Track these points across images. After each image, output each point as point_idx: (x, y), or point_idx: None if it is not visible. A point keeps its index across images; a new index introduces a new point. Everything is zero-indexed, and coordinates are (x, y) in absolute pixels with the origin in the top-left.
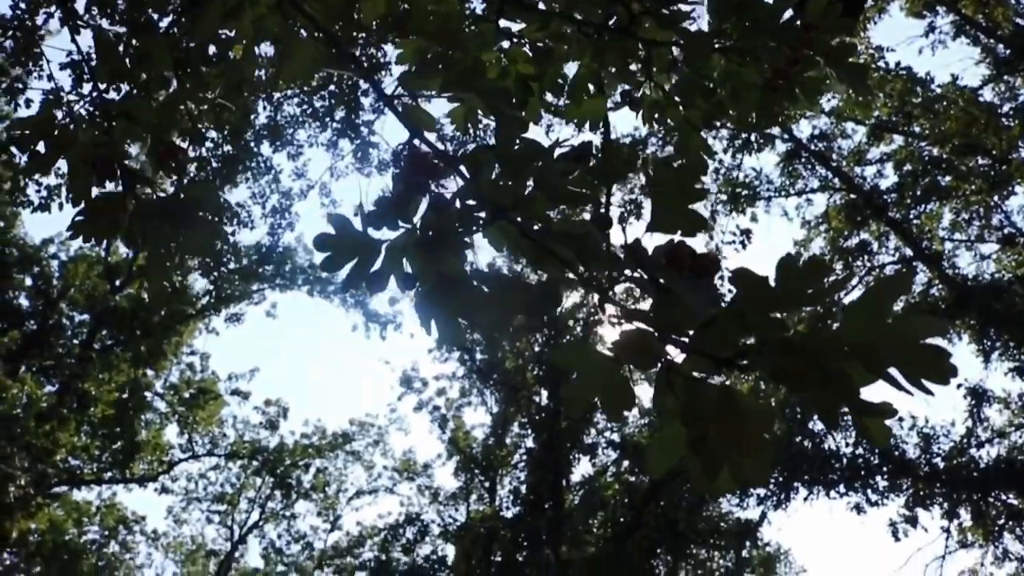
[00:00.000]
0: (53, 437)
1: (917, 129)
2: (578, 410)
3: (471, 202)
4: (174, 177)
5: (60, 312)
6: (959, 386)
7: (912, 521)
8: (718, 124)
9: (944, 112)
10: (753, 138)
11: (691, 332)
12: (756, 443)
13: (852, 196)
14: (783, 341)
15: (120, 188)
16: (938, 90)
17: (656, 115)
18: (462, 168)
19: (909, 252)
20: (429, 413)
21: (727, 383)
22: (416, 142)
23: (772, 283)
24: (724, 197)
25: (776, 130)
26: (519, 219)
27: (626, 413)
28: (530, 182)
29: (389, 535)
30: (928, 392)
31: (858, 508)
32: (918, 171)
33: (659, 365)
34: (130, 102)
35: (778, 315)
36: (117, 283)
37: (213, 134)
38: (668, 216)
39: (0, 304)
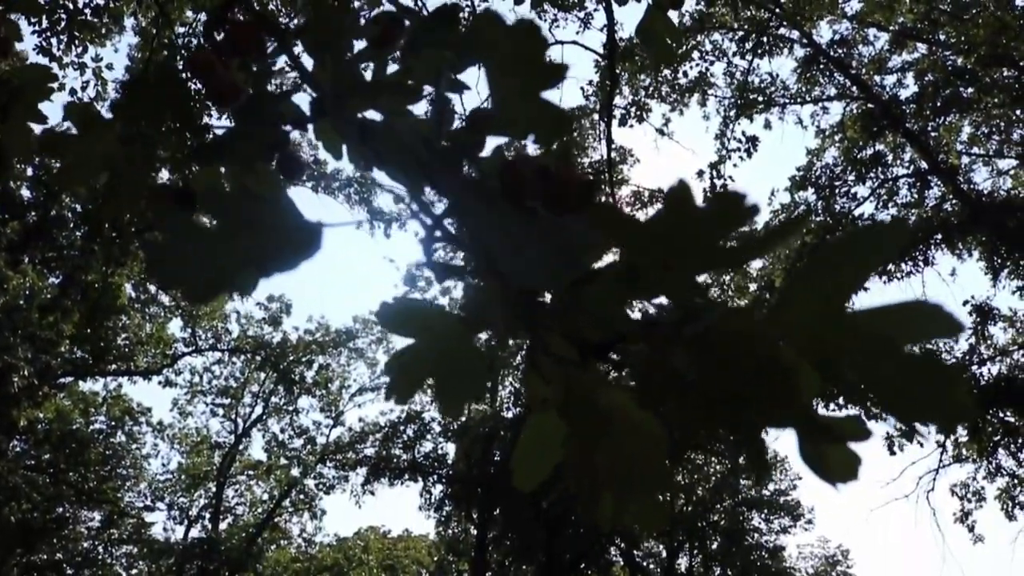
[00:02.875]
0: (57, 328)
1: (942, 37)
2: (406, 398)
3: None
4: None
5: (62, 204)
6: (965, 303)
7: (909, 436)
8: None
9: (973, 19)
10: (766, 40)
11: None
12: (638, 479)
13: (870, 105)
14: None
15: None
16: None
17: None
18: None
19: (924, 165)
20: None
21: (603, 382)
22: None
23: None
24: (735, 102)
25: (795, 34)
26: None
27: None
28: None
29: (390, 432)
30: (915, 432)
31: None
32: (939, 81)
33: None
34: None
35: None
36: None
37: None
38: (509, 108)
39: (1, 195)
